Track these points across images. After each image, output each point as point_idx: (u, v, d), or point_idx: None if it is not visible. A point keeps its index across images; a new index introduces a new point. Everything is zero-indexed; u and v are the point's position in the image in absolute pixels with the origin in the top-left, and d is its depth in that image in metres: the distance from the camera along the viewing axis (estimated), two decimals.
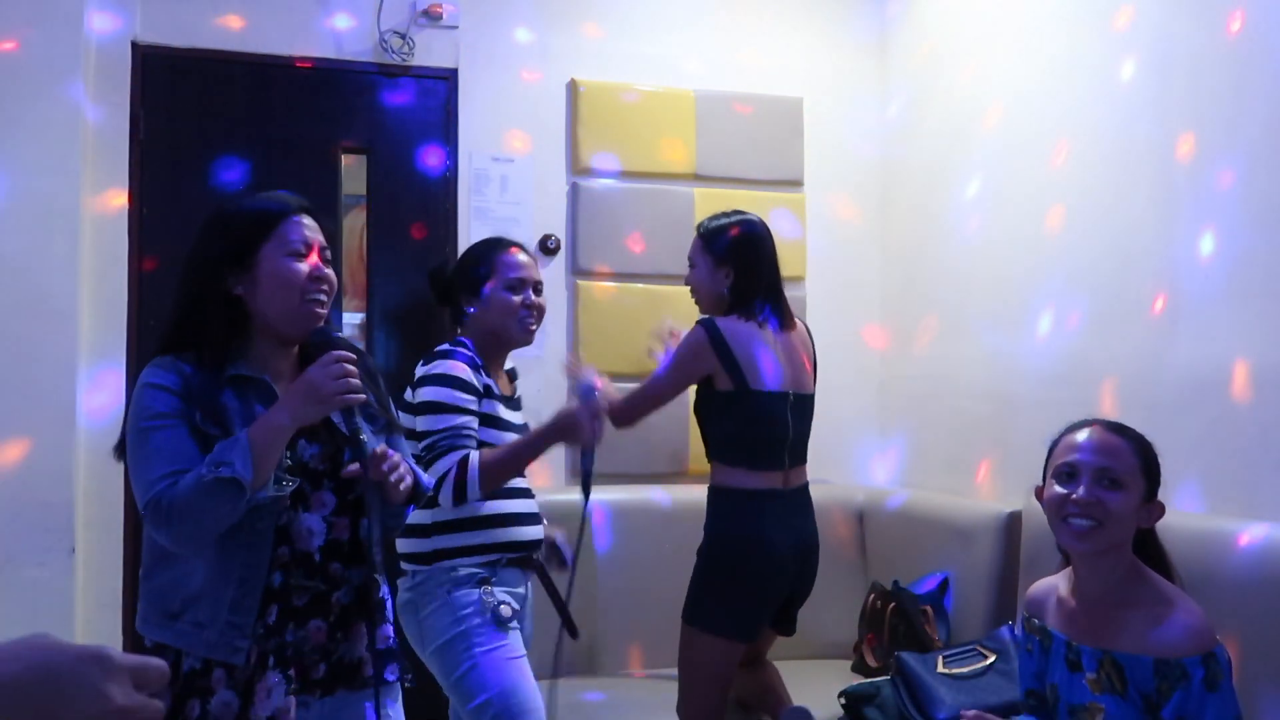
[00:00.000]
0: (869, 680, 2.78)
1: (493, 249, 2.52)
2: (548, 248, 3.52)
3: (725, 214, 2.78)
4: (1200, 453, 2.44)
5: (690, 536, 2.91)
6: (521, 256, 2.50)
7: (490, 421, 2.38)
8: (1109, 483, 1.81)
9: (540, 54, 3.56)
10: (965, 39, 3.41)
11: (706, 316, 2.66)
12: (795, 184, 3.75)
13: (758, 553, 2.58)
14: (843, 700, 2.70)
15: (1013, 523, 2.84)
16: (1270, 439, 2.28)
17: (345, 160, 3.45)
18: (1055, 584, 1.96)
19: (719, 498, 2.68)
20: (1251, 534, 2.15)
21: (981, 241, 3.28)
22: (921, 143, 3.63)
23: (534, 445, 2.37)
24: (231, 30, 3.29)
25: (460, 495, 2.30)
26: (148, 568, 1.72)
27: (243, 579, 1.66)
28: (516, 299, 2.45)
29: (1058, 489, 1.84)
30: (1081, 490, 1.81)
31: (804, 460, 2.77)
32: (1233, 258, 2.39)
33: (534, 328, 2.49)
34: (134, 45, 3.21)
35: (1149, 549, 1.89)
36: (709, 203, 3.63)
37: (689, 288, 2.79)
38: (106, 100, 3.15)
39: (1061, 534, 1.85)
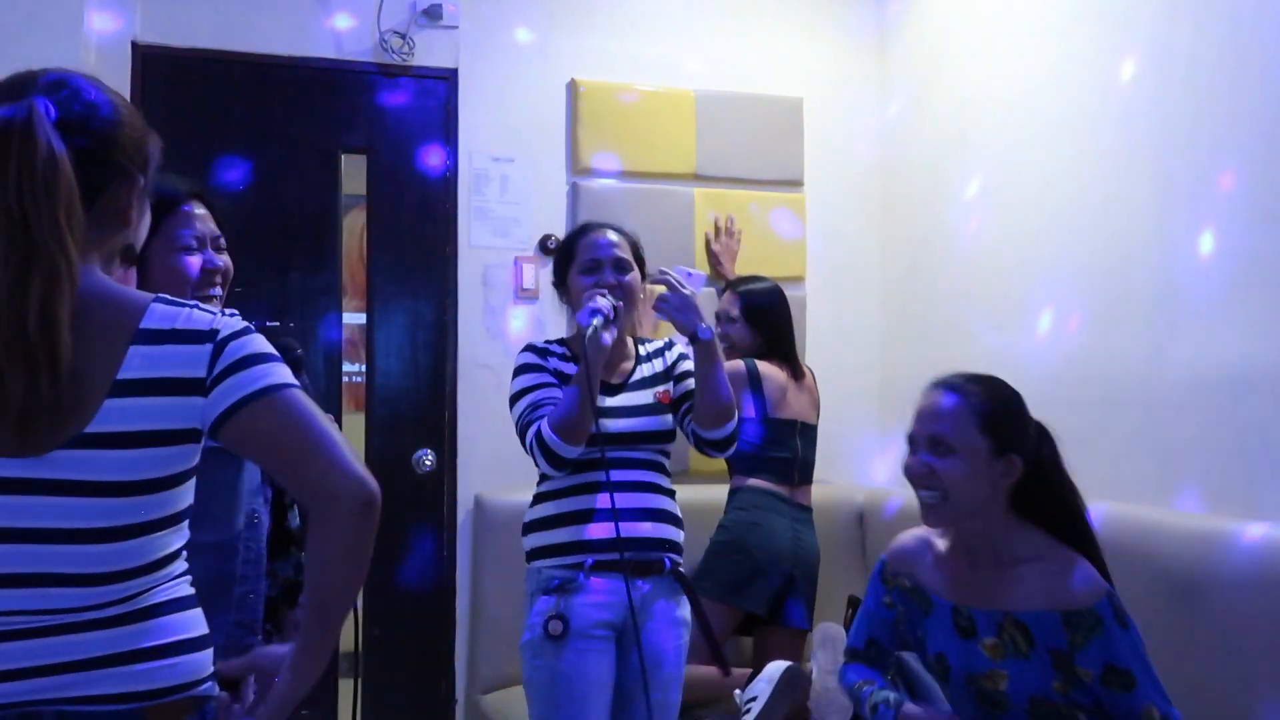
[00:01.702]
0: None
1: (574, 234, 2.42)
2: (548, 248, 3.52)
3: (759, 278, 3.25)
4: (1200, 453, 2.43)
5: (690, 533, 2.90)
6: (598, 236, 2.34)
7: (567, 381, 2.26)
8: (940, 449, 1.77)
9: (540, 54, 3.56)
10: (965, 39, 3.41)
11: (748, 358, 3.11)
12: (795, 184, 3.75)
13: (761, 533, 2.97)
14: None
15: None
16: (1270, 439, 2.28)
17: (345, 160, 3.45)
18: (927, 540, 1.91)
19: (736, 494, 3.08)
20: (1251, 534, 2.15)
21: (981, 241, 3.28)
22: (921, 143, 3.63)
23: (577, 375, 2.17)
24: (231, 30, 3.29)
25: (550, 457, 2.17)
26: None
27: (244, 576, 1.71)
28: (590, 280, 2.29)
29: (905, 459, 1.83)
30: (915, 464, 1.79)
31: (810, 481, 3.17)
32: (1233, 257, 2.39)
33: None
34: (134, 45, 3.21)
35: (1049, 498, 1.83)
36: (709, 203, 3.63)
37: (723, 335, 3.11)
38: None
39: (921, 510, 1.82)
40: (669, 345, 2.43)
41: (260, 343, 1.27)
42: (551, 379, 2.28)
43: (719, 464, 3.24)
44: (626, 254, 2.32)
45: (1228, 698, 2.10)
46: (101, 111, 1.24)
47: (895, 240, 3.77)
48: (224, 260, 1.81)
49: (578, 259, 2.32)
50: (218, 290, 1.78)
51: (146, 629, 1.25)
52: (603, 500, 2.19)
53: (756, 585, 2.93)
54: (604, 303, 2.18)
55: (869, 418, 3.80)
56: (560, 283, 2.39)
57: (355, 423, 3.51)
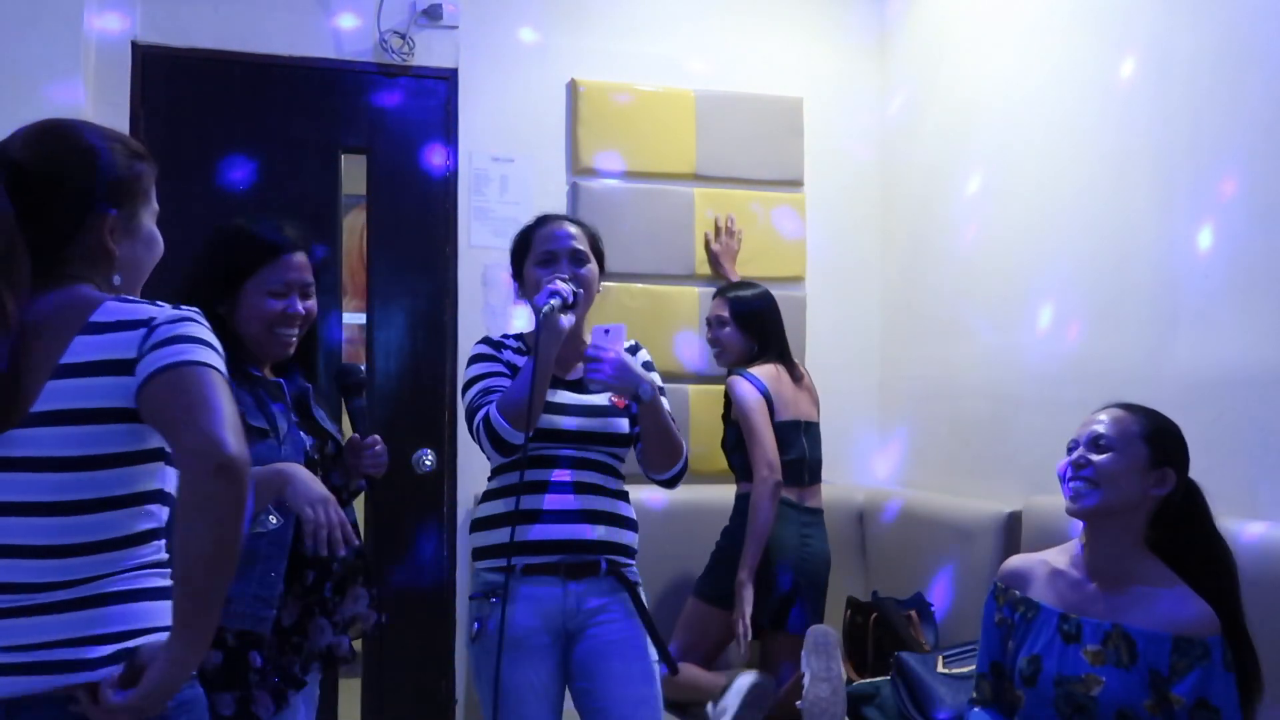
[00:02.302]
0: (869, 680, 2.78)
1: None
2: None
3: (749, 284, 3.29)
4: (1200, 453, 2.42)
5: (687, 535, 2.91)
6: (555, 228, 2.30)
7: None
8: (1100, 446, 1.85)
9: (540, 54, 3.56)
10: (965, 39, 3.41)
11: (739, 369, 3.11)
12: (795, 184, 3.75)
13: (770, 544, 2.93)
14: None
15: (1012, 523, 2.84)
16: (1270, 439, 2.28)
17: (345, 160, 3.45)
18: (1042, 559, 1.98)
19: (745, 502, 3.01)
20: (1251, 534, 2.15)
21: (981, 241, 3.28)
22: (921, 143, 3.63)
23: (533, 358, 2.11)
24: (231, 30, 3.29)
25: (496, 441, 2.13)
26: None
27: (267, 555, 1.84)
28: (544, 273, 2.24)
29: (1063, 463, 1.91)
30: (1074, 455, 1.87)
31: (819, 480, 3.18)
32: (1233, 257, 2.39)
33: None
34: (134, 45, 3.21)
35: (1167, 535, 1.88)
36: (709, 203, 3.63)
37: (713, 340, 3.27)
38: (106, 100, 3.15)
39: (1066, 502, 1.89)
40: (634, 349, 2.34)
41: (192, 327, 1.37)
42: (504, 369, 2.25)
43: (721, 463, 3.24)
44: (584, 246, 2.27)
45: None
46: (67, 165, 1.42)
47: (895, 240, 3.77)
48: (307, 306, 2.00)
49: (534, 250, 2.27)
50: (295, 332, 1.99)
51: (100, 615, 1.33)
52: (543, 501, 2.15)
53: (756, 594, 2.90)
54: (564, 287, 2.14)
55: (869, 418, 3.80)
56: (517, 274, 2.33)
57: None
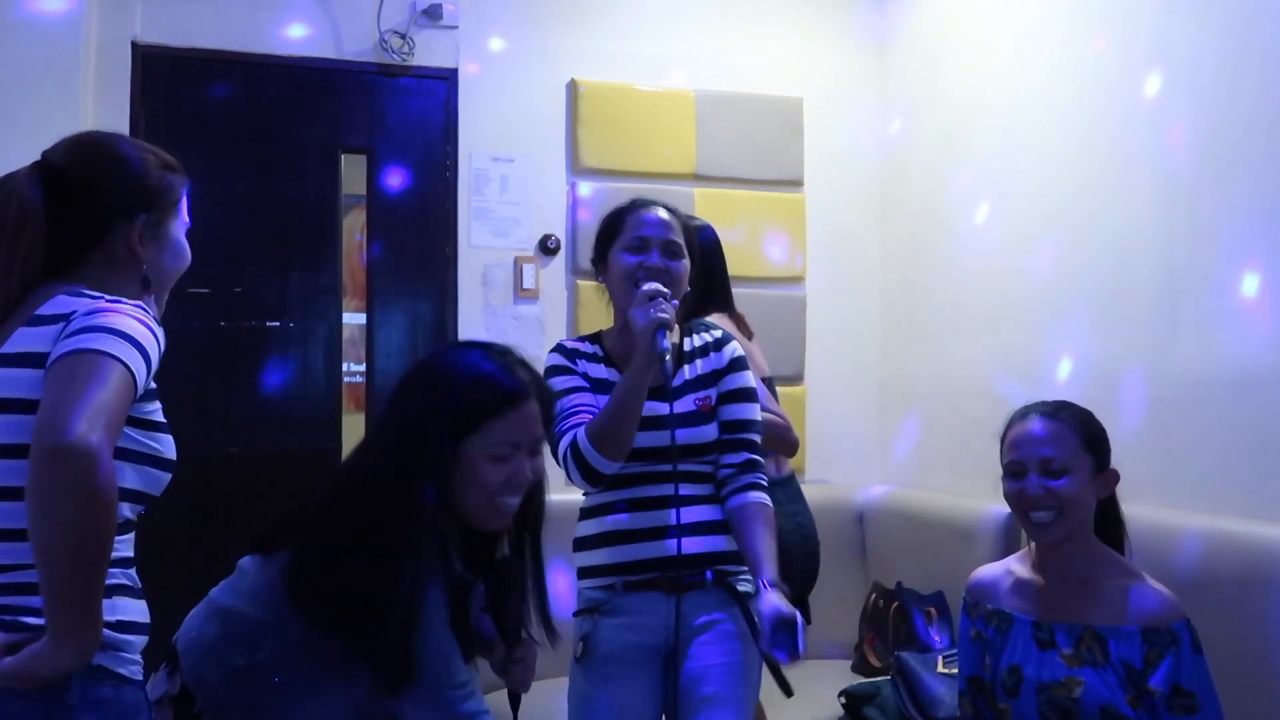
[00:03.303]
0: (869, 680, 2.79)
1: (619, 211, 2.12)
2: (548, 248, 3.52)
3: (693, 217, 2.48)
4: (1200, 453, 2.44)
5: None
6: (648, 213, 2.06)
7: (601, 387, 2.03)
8: (1054, 471, 1.85)
9: (540, 54, 3.56)
10: (965, 40, 3.41)
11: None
12: (795, 184, 3.75)
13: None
14: (843, 700, 2.70)
15: (1012, 523, 2.84)
16: (1270, 439, 2.28)
17: (345, 160, 3.45)
18: (1005, 568, 1.99)
19: (789, 484, 2.62)
20: (1251, 534, 2.15)
21: (981, 241, 3.28)
22: (921, 143, 3.63)
23: (627, 382, 1.92)
24: (231, 30, 3.29)
25: (587, 472, 1.93)
26: None
27: None
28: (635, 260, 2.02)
29: (1010, 485, 1.90)
30: (1032, 487, 1.86)
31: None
32: (1233, 256, 2.39)
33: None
34: (134, 45, 3.21)
35: (1106, 519, 1.94)
36: (709, 203, 3.63)
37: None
38: (106, 100, 3.15)
39: (1028, 529, 1.90)
40: (721, 341, 2.11)
41: (109, 317, 1.35)
42: (583, 383, 2.03)
43: None
44: (679, 238, 2.05)
45: (1228, 698, 2.10)
46: (101, 171, 1.48)
47: (895, 240, 3.77)
48: (536, 467, 1.60)
49: (623, 235, 2.04)
50: (518, 500, 1.58)
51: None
52: (642, 520, 1.99)
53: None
54: (668, 311, 1.90)
55: (869, 418, 3.81)
56: (600, 259, 2.09)
57: (355, 423, 3.51)
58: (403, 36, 3.42)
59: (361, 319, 3.60)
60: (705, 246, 2.44)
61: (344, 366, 3.52)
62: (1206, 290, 2.45)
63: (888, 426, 3.77)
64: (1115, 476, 1.91)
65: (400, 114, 3.47)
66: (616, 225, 2.07)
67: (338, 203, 3.44)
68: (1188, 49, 2.52)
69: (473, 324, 3.45)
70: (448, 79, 3.49)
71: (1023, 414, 1.94)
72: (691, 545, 1.96)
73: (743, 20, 3.75)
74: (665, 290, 1.94)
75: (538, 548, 1.67)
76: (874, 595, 3.16)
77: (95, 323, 1.34)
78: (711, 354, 2.09)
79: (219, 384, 3.30)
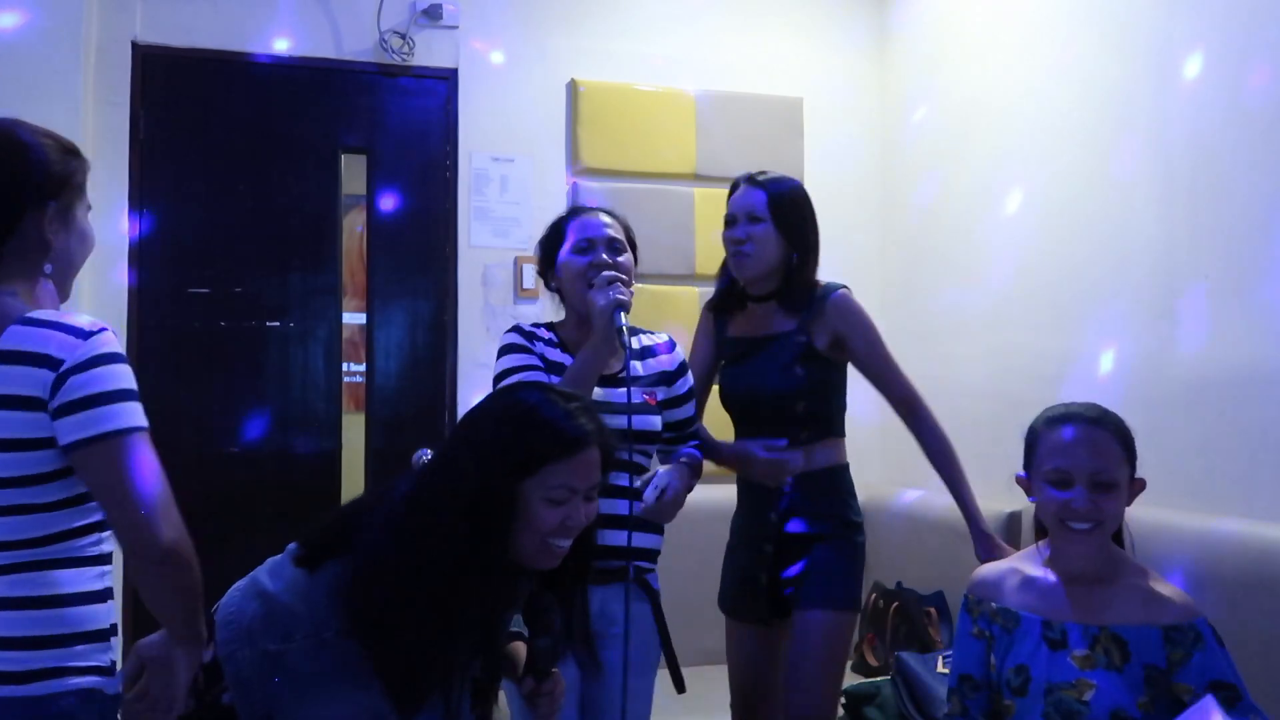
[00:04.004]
0: (869, 680, 2.79)
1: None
2: None
3: (779, 175, 2.46)
4: (1200, 453, 2.44)
5: (689, 534, 2.87)
6: (590, 217, 2.24)
7: (555, 369, 2.12)
8: (1102, 486, 1.81)
9: (540, 54, 3.56)
10: (965, 40, 3.41)
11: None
12: None
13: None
14: (843, 700, 2.70)
15: (1012, 523, 2.84)
16: (1270, 439, 2.28)
17: (345, 160, 3.45)
18: (1011, 566, 1.96)
19: (842, 477, 2.45)
20: (1250, 534, 2.15)
21: (981, 241, 3.28)
22: (921, 143, 3.63)
23: (583, 357, 2.06)
24: (231, 30, 3.29)
25: None
26: None
27: None
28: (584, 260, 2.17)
29: (1054, 494, 1.84)
30: (1080, 500, 1.80)
31: None
32: (1233, 256, 2.39)
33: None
34: (134, 45, 3.21)
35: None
36: (709, 203, 3.63)
37: (750, 245, 2.36)
38: (106, 100, 3.15)
39: (1061, 537, 1.85)
40: (669, 346, 2.29)
41: (106, 377, 1.41)
42: (538, 362, 2.13)
43: None
44: (620, 235, 2.23)
45: None
46: (4, 162, 1.49)
47: (895, 240, 3.77)
48: (590, 512, 1.55)
49: (570, 239, 2.20)
50: (569, 543, 1.54)
51: (44, 617, 1.44)
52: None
53: None
54: (627, 294, 2.08)
55: (869, 417, 3.79)
56: (547, 268, 2.25)
57: (355, 423, 3.51)
58: (403, 36, 3.42)
59: (361, 319, 3.60)
60: (801, 201, 2.46)
61: (344, 366, 3.52)
62: (1206, 290, 2.45)
63: (887, 426, 3.76)
64: (1143, 484, 1.88)
65: (400, 114, 3.47)
66: (560, 232, 2.25)
67: (338, 203, 3.44)
68: (1188, 48, 2.52)
69: (473, 324, 3.45)
70: (448, 79, 3.49)
71: (1063, 418, 1.86)
72: (620, 537, 2.03)
73: (743, 20, 3.75)
74: (623, 276, 2.12)
75: (584, 586, 1.67)
76: (874, 595, 3.16)
77: (99, 389, 1.41)
78: (662, 356, 2.27)
79: (219, 384, 3.30)
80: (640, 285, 3.53)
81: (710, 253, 3.63)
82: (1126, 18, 2.72)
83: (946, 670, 2.58)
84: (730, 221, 2.37)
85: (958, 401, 3.36)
